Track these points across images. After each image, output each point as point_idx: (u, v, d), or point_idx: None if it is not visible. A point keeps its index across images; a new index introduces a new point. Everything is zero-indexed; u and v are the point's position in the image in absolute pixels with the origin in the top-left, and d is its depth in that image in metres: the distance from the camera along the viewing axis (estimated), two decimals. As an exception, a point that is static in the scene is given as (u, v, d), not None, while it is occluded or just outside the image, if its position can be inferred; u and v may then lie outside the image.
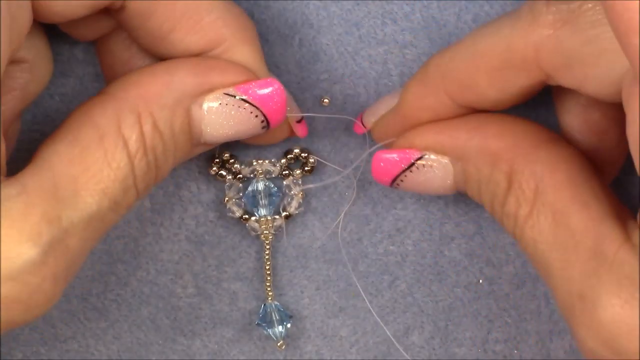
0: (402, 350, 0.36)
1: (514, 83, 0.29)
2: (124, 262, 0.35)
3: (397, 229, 0.36)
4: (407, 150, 0.31)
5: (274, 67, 0.34)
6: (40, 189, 0.26)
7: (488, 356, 0.36)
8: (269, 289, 0.35)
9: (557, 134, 0.31)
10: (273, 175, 0.35)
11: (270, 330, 0.35)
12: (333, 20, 0.34)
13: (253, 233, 0.35)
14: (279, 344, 0.35)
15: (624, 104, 0.26)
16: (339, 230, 0.35)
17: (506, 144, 0.30)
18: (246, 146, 0.35)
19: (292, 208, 0.35)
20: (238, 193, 0.35)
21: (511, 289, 0.36)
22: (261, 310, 0.35)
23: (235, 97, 0.30)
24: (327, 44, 0.34)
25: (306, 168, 0.35)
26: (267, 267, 0.35)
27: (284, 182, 0.35)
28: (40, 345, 0.36)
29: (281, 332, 0.35)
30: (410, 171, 0.32)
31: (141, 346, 0.36)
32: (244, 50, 0.31)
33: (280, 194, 0.35)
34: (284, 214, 0.35)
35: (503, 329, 0.36)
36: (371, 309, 0.36)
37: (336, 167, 0.35)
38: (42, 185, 0.27)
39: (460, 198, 0.35)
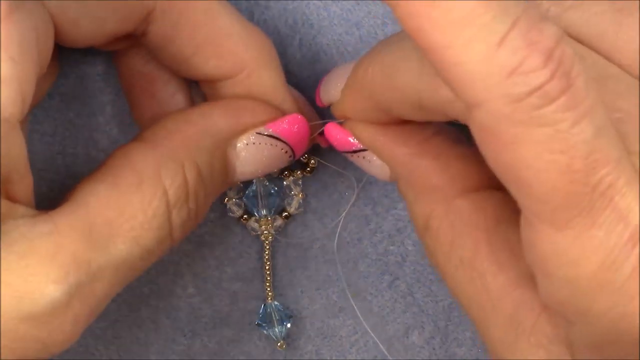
0: (382, 347, 0.36)
1: (438, 118, 0.29)
2: (124, 262, 0.35)
3: (397, 229, 0.36)
4: (352, 140, 0.32)
5: (274, 67, 0.34)
6: (72, 230, 0.26)
7: (488, 356, 0.36)
8: (268, 289, 0.35)
9: (491, 175, 0.31)
10: (273, 176, 0.35)
11: (270, 330, 0.35)
12: (333, 21, 0.34)
13: (253, 233, 0.35)
14: (279, 344, 0.35)
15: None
16: (338, 230, 0.35)
17: (432, 185, 0.30)
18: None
19: (292, 208, 0.35)
20: (238, 193, 0.35)
21: (511, 289, 0.36)
22: (261, 310, 0.35)
23: (266, 135, 0.31)
24: (328, 44, 0.34)
25: (306, 168, 0.35)
26: (267, 267, 0.35)
27: (284, 182, 0.35)
28: (40, 345, 0.36)
29: (281, 332, 0.35)
30: (352, 155, 0.32)
31: (141, 346, 0.36)
32: (265, 76, 0.31)
33: (280, 194, 0.35)
34: (284, 214, 0.35)
35: (503, 329, 0.36)
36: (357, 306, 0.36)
37: (336, 168, 0.35)
38: (75, 226, 0.26)
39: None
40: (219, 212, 0.35)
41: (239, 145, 0.31)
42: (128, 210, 0.27)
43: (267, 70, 0.31)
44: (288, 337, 0.36)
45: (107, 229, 0.27)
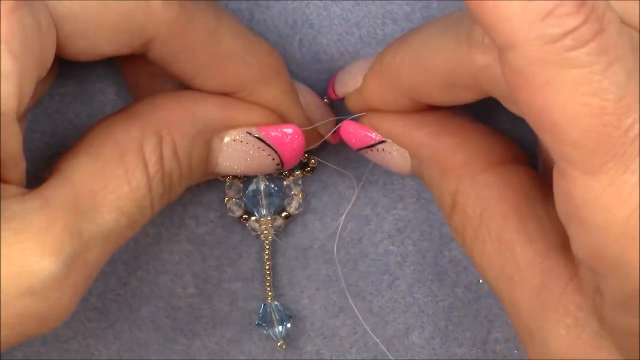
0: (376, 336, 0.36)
1: (464, 96, 0.29)
2: (124, 262, 0.35)
3: (397, 229, 0.36)
4: (371, 132, 0.32)
5: (274, 67, 0.34)
6: (62, 202, 0.26)
7: (488, 356, 0.36)
8: (268, 289, 0.35)
9: (513, 151, 0.31)
10: (273, 175, 0.35)
11: (270, 330, 0.35)
12: (333, 21, 0.34)
13: (253, 233, 0.35)
14: (278, 344, 0.35)
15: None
16: (338, 230, 0.35)
17: (456, 161, 0.30)
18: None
19: (292, 208, 0.35)
20: (238, 193, 0.35)
21: (511, 289, 0.36)
22: (261, 310, 0.35)
23: (255, 137, 0.31)
24: (328, 44, 0.34)
25: (306, 168, 0.35)
26: (267, 267, 0.35)
27: (284, 182, 0.35)
28: (40, 345, 0.36)
29: (281, 332, 0.35)
30: (371, 150, 0.32)
31: (141, 346, 0.36)
32: (267, 91, 0.31)
33: (281, 194, 0.35)
34: (284, 214, 0.35)
35: (503, 329, 0.36)
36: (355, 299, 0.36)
37: (336, 168, 0.35)
38: (63, 198, 0.27)
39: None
40: (219, 212, 0.35)
41: (225, 139, 0.31)
42: (112, 181, 0.28)
43: (269, 86, 0.31)
44: (288, 337, 0.36)
45: (93, 201, 0.27)
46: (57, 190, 0.27)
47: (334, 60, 0.34)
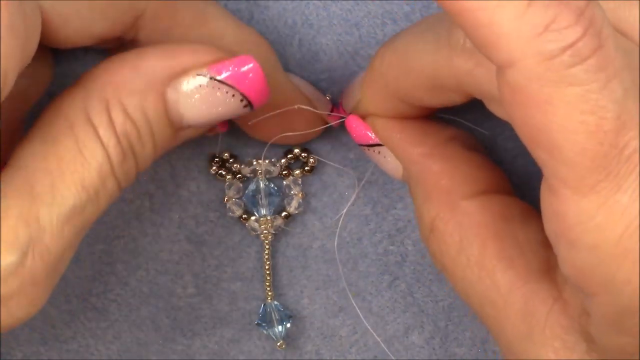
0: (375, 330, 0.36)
1: (452, 98, 0.29)
2: (124, 262, 0.35)
3: (397, 228, 0.36)
4: (371, 133, 0.32)
5: (274, 67, 0.34)
6: (15, 190, 0.26)
7: (488, 356, 0.36)
8: (268, 288, 0.35)
9: (498, 181, 0.31)
10: (273, 175, 0.35)
11: (270, 330, 0.35)
12: (333, 21, 0.34)
13: (253, 233, 0.35)
14: (278, 344, 0.35)
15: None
16: (337, 229, 0.35)
17: (440, 187, 0.30)
18: (246, 146, 0.35)
19: (292, 208, 0.35)
20: (238, 193, 0.35)
21: (511, 289, 0.36)
22: (261, 310, 0.35)
23: (209, 78, 0.29)
24: (327, 44, 0.34)
25: (306, 168, 0.35)
26: (267, 267, 0.35)
27: (284, 182, 0.35)
28: (40, 345, 0.36)
29: (281, 332, 0.35)
30: (368, 149, 0.33)
31: (141, 346, 0.36)
32: None
33: (280, 194, 0.35)
34: (283, 213, 0.35)
35: (503, 329, 0.36)
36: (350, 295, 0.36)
37: (337, 166, 0.35)
38: (17, 185, 0.26)
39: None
40: (219, 212, 0.35)
41: (179, 88, 0.29)
42: (65, 156, 0.27)
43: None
44: (288, 337, 0.36)
45: (49, 179, 0.27)
46: (10, 178, 0.27)
47: (334, 60, 0.34)
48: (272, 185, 0.35)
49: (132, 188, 0.34)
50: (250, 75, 0.29)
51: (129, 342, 0.36)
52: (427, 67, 0.28)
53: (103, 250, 0.35)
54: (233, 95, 0.29)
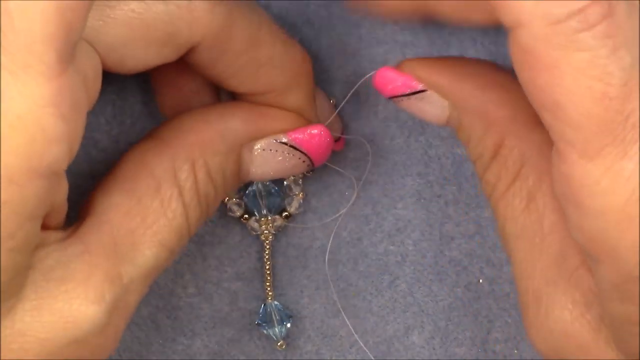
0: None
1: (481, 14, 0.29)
2: (124, 262, 0.35)
3: (397, 228, 0.36)
4: (413, 81, 0.31)
5: (274, 67, 0.34)
6: (101, 247, 0.27)
7: (488, 356, 0.36)
8: (269, 288, 0.35)
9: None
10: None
11: (270, 330, 0.35)
12: (334, 20, 0.34)
13: (253, 233, 0.35)
14: (278, 344, 0.35)
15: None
16: (334, 229, 0.35)
17: (504, 115, 0.30)
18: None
19: (293, 208, 0.35)
20: (238, 193, 0.35)
21: (511, 289, 0.36)
22: (261, 310, 0.35)
23: (284, 143, 0.31)
24: (328, 44, 0.34)
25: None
26: (267, 267, 0.35)
27: (284, 182, 0.35)
28: (40, 345, 0.36)
29: (281, 332, 0.35)
30: (409, 98, 0.31)
31: (141, 346, 0.36)
32: (294, 95, 0.31)
33: (281, 194, 0.35)
34: (284, 214, 0.35)
35: (503, 329, 0.36)
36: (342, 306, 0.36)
37: (336, 168, 0.35)
38: (102, 242, 0.27)
39: (460, 198, 0.35)
40: (219, 212, 0.35)
41: (255, 149, 0.31)
42: (150, 216, 0.28)
43: (299, 90, 0.31)
44: (288, 336, 0.36)
45: (131, 239, 0.27)
46: (95, 233, 0.27)
47: (334, 60, 0.34)
48: (273, 186, 0.35)
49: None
50: (321, 142, 0.31)
51: (129, 342, 0.36)
52: None
53: (103, 250, 0.35)
54: (303, 161, 0.32)
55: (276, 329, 0.35)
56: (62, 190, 0.26)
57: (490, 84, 0.30)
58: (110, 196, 0.28)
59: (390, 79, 0.31)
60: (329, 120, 0.33)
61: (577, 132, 0.23)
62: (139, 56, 0.28)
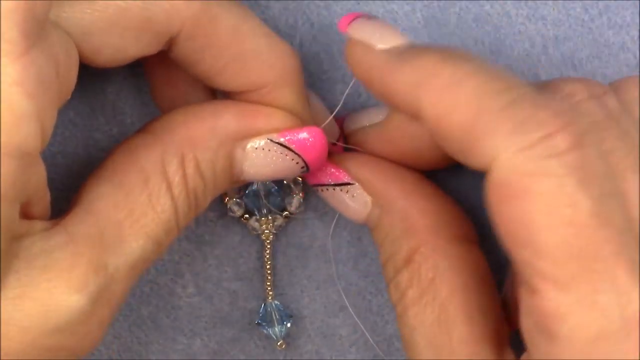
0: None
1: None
2: (124, 262, 0.35)
3: (397, 228, 0.36)
4: (342, 172, 0.32)
5: (275, 66, 0.34)
6: (86, 237, 0.27)
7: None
8: (269, 288, 0.35)
9: (472, 232, 0.32)
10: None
11: (270, 330, 0.35)
12: (334, 20, 0.34)
13: (253, 232, 0.35)
14: (279, 344, 0.35)
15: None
16: (331, 228, 0.35)
17: (425, 224, 0.31)
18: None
19: (293, 207, 0.35)
20: (238, 192, 0.35)
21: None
22: (261, 310, 0.35)
23: (277, 142, 0.31)
24: (328, 44, 0.34)
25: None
26: (268, 267, 0.35)
27: (284, 182, 0.35)
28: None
29: (281, 332, 0.35)
30: (334, 189, 0.32)
31: (141, 346, 0.36)
32: (285, 93, 0.31)
33: (281, 193, 0.35)
34: (284, 213, 0.35)
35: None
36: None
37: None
38: (88, 232, 0.27)
39: (460, 197, 0.35)
40: (219, 212, 0.35)
41: (248, 147, 0.30)
42: (137, 209, 0.28)
43: (287, 88, 0.31)
44: (288, 336, 0.36)
45: (118, 230, 0.27)
46: (81, 223, 0.27)
47: (335, 59, 0.34)
48: (273, 185, 0.35)
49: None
50: (315, 144, 0.31)
51: (129, 341, 0.36)
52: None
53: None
54: (297, 162, 0.31)
55: (276, 329, 0.35)
56: (39, 173, 0.26)
57: (418, 192, 0.31)
58: (98, 187, 0.28)
59: (326, 148, 0.32)
60: (324, 125, 0.32)
61: (550, 262, 0.23)
62: (116, 44, 0.28)
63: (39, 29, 0.24)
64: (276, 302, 0.35)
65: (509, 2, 0.34)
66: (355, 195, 0.32)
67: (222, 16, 0.29)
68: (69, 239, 0.26)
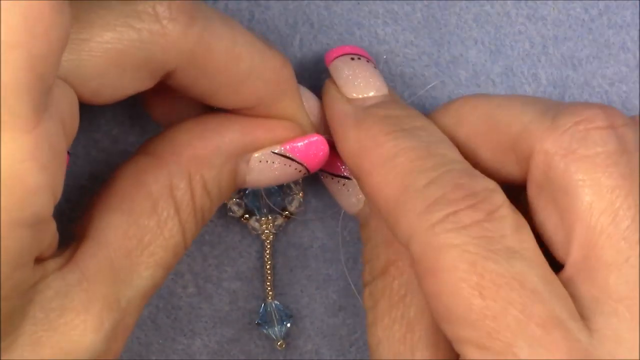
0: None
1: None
2: (124, 262, 0.35)
3: (397, 228, 0.36)
4: (342, 165, 0.32)
5: (275, 66, 0.34)
6: (99, 272, 0.27)
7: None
8: (269, 288, 0.35)
9: None
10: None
11: (270, 330, 0.35)
12: (334, 20, 0.34)
13: (253, 232, 0.35)
14: (278, 343, 0.35)
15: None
16: (339, 228, 0.35)
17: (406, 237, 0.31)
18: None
19: (293, 207, 0.35)
20: (238, 192, 0.35)
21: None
22: (261, 310, 0.35)
23: (280, 154, 0.31)
24: (328, 44, 0.34)
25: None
26: (268, 267, 0.35)
27: (284, 182, 0.35)
28: (40, 345, 0.36)
29: (281, 332, 0.35)
30: (332, 178, 0.33)
31: (141, 346, 0.36)
32: (283, 103, 0.31)
33: (281, 193, 0.35)
34: (284, 213, 0.35)
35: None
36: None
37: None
38: (100, 266, 0.27)
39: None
40: (219, 212, 0.35)
41: (251, 160, 0.31)
42: (146, 237, 0.28)
43: (284, 98, 0.31)
44: (288, 336, 0.36)
45: (128, 261, 0.27)
46: (93, 257, 0.27)
47: (335, 59, 0.34)
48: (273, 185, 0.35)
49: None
50: (317, 152, 0.32)
51: (129, 341, 0.36)
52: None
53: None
54: (299, 170, 0.32)
55: (276, 329, 0.35)
56: (50, 231, 0.25)
57: None
58: (108, 216, 0.28)
59: (326, 152, 0.32)
60: (318, 117, 0.32)
61: (464, 327, 0.24)
62: (115, 85, 0.27)
63: (48, 97, 0.23)
64: (276, 302, 0.35)
65: (509, 2, 0.34)
66: (350, 190, 0.32)
67: (216, 43, 0.28)
68: (82, 276, 0.26)
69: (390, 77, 0.34)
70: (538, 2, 0.34)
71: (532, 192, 0.28)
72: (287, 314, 0.35)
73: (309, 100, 0.32)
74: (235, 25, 0.29)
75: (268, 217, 0.35)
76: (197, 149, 0.30)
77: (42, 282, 0.26)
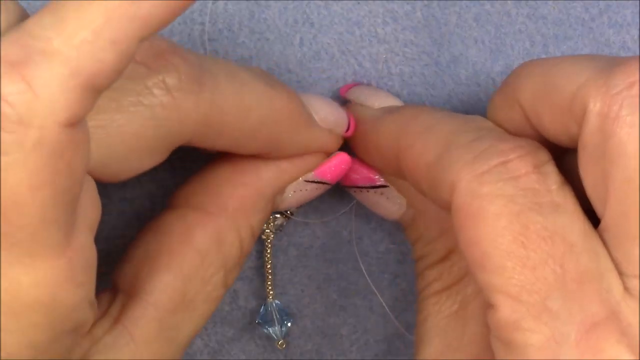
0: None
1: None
2: (124, 262, 0.35)
3: (398, 227, 0.36)
4: (375, 175, 0.33)
5: (275, 66, 0.34)
6: (146, 337, 0.28)
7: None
8: (269, 287, 0.35)
9: None
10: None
11: (270, 329, 0.35)
12: (334, 19, 0.34)
13: (254, 232, 0.35)
14: (279, 343, 0.35)
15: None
16: (352, 226, 0.35)
17: None
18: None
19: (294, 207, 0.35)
20: (238, 192, 0.35)
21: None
22: (262, 309, 0.35)
23: (311, 181, 0.32)
24: (328, 43, 0.34)
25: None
26: (268, 266, 0.35)
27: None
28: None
29: (282, 331, 0.35)
30: (368, 191, 0.33)
31: (142, 346, 0.36)
32: (297, 137, 0.31)
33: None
34: (284, 213, 0.35)
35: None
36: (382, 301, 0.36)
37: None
38: (149, 330, 0.28)
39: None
40: (219, 211, 0.35)
41: (286, 193, 0.32)
42: (190, 292, 0.29)
43: (297, 133, 0.31)
44: (288, 336, 0.36)
45: (174, 320, 0.28)
46: (142, 318, 0.28)
47: (335, 59, 0.34)
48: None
49: (132, 188, 0.34)
50: (343, 168, 0.32)
51: (130, 342, 0.36)
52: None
53: (103, 250, 0.35)
54: (324, 188, 0.33)
55: (276, 328, 0.35)
56: (93, 316, 0.26)
57: None
58: (157, 275, 0.29)
59: (353, 169, 0.33)
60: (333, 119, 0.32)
61: (499, 275, 0.24)
62: (134, 165, 0.27)
63: (75, 211, 0.23)
64: (276, 301, 0.35)
65: (509, 1, 0.34)
66: (390, 197, 0.33)
67: (226, 102, 0.28)
68: (130, 339, 0.27)
69: (389, 77, 0.34)
70: (538, 1, 0.34)
71: (581, 154, 0.27)
72: (287, 314, 0.35)
73: (320, 111, 0.32)
74: (237, 73, 0.29)
75: (268, 217, 0.35)
76: (242, 198, 0.30)
77: (93, 347, 0.27)
